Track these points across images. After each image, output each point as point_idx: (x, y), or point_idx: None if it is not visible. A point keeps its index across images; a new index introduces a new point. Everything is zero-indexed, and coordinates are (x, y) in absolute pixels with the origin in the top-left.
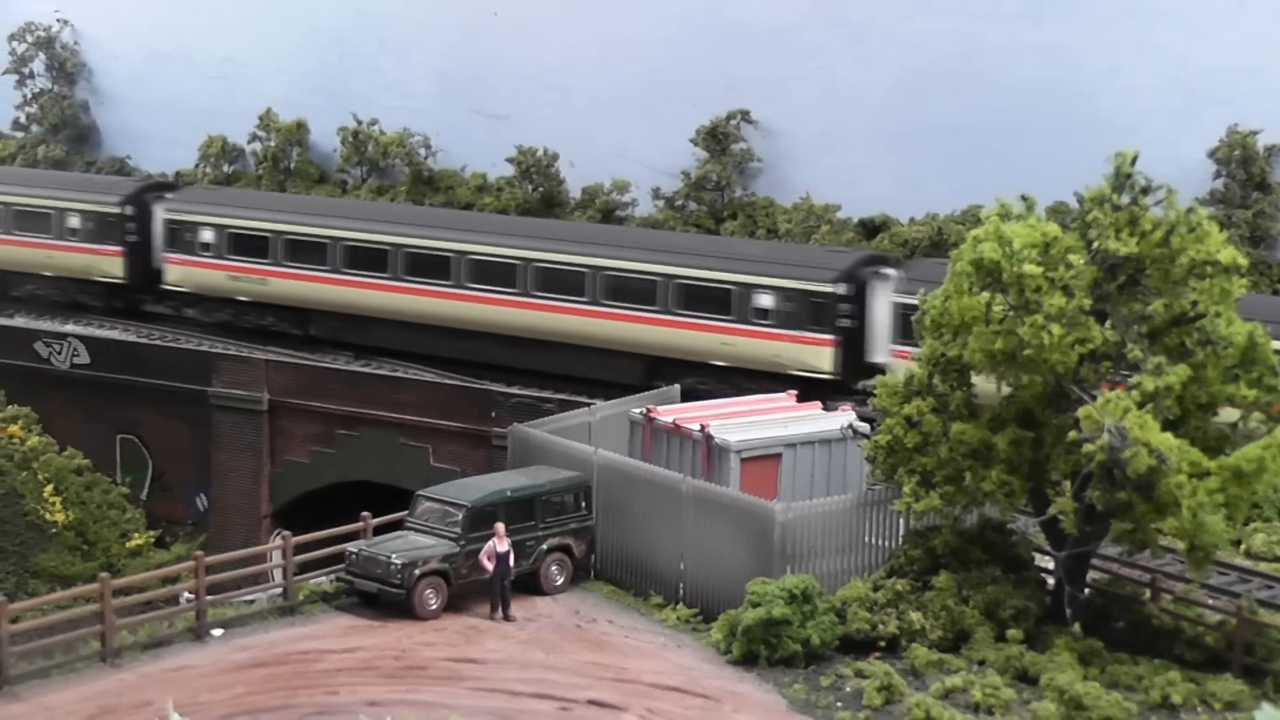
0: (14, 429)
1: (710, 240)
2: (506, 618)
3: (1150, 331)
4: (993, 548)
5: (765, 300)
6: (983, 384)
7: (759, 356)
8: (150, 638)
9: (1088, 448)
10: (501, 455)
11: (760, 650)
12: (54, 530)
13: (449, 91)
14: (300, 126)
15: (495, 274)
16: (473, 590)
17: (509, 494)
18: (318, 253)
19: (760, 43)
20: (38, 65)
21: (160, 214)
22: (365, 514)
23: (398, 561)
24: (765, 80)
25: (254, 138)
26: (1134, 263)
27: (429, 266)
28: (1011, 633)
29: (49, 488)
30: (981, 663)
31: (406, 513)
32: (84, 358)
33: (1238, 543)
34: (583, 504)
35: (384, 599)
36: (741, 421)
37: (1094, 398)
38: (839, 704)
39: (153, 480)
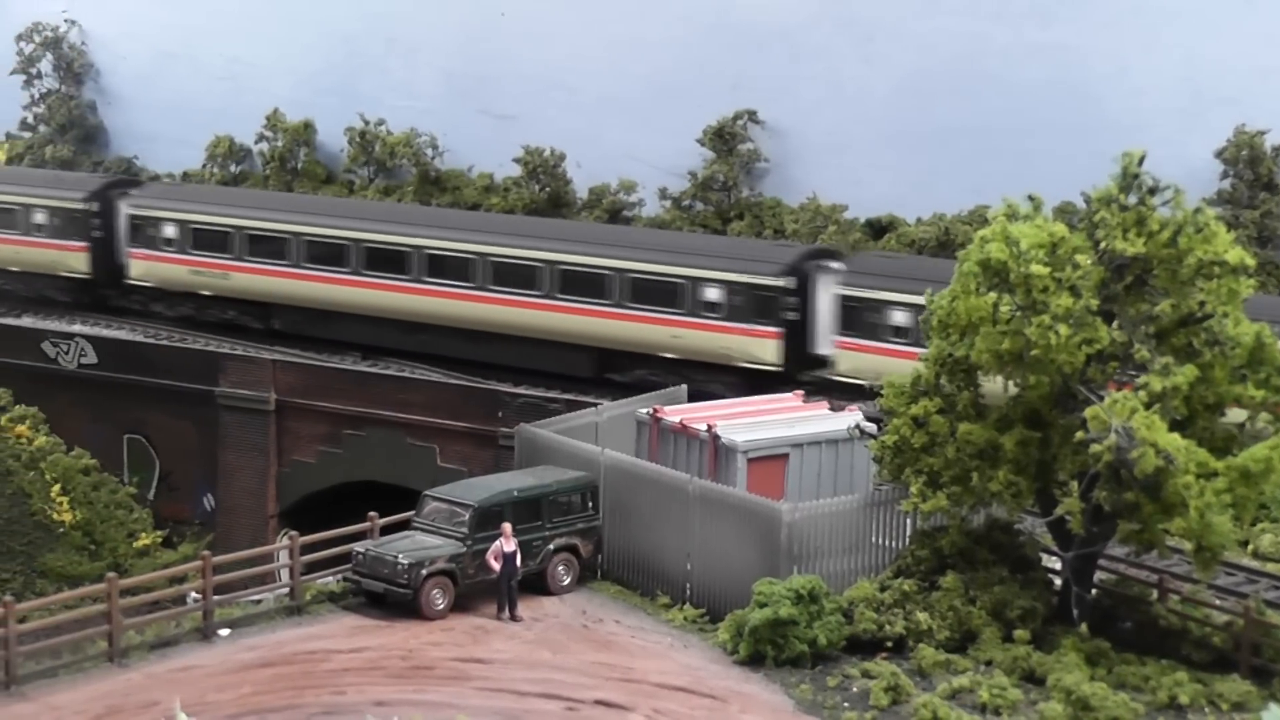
0: (21, 429)
1: (659, 235)
2: (513, 618)
3: (1157, 332)
4: (1000, 548)
5: (712, 294)
6: (990, 384)
7: (707, 349)
8: (157, 638)
9: (1095, 448)
10: (508, 455)
11: (767, 650)
12: (61, 530)
13: (456, 92)
14: (307, 127)
15: (451, 268)
16: (479, 590)
17: (516, 494)
18: (278, 248)
19: (767, 43)
20: (45, 65)
21: (124, 210)
22: (372, 514)
23: (405, 561)
24: (772, 80)
25: (261, 138)
26: (1141, 263)
27: (386, 261)
28: (1018, 633)
29: (56, 488)
30: (988, 663)
31: (413, 513)
32: (91, 358)
33: (1245, 543)
34: (589, 504)
35: (391, 599)
36: (748, 422)
37: (1101, 398)
38: (846, 704)
39: (160, 480)
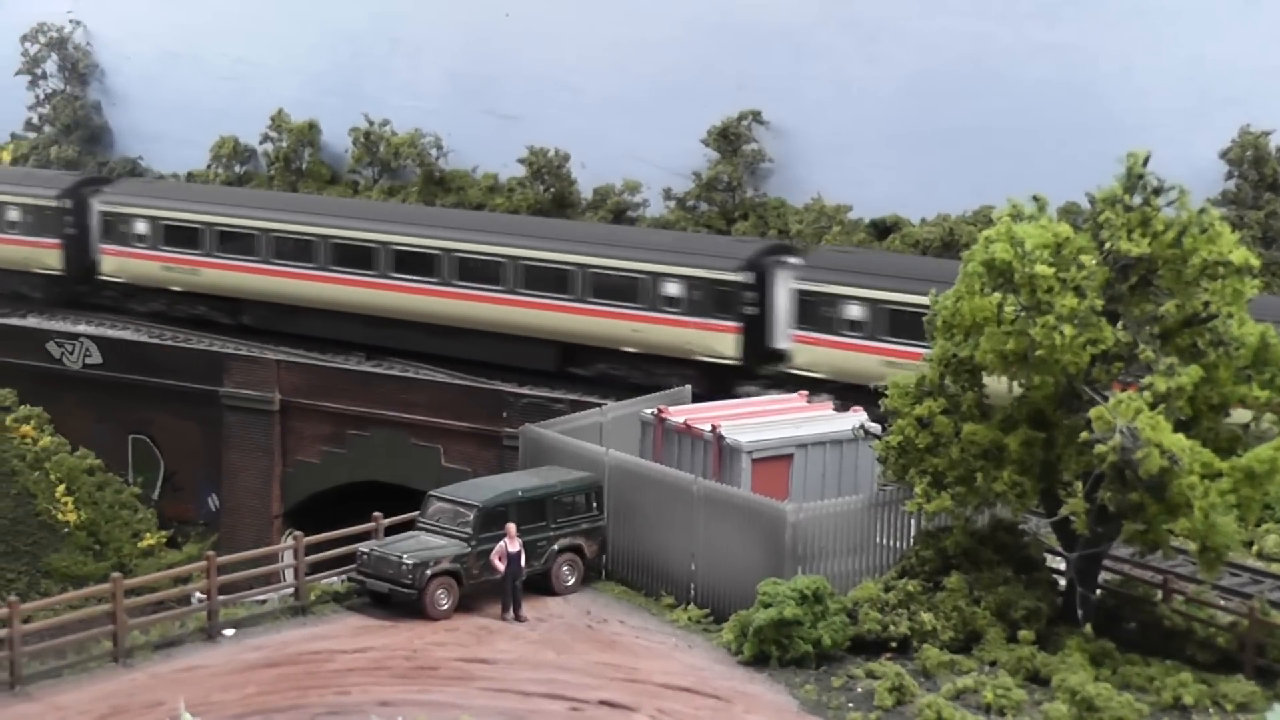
0: (26, 429)
1: (621, 230)
2: (518, 618)
3: (1162, 332)
4: (1004, 548)
5: (673, 289)
6: (994, 385)
7: (667, 343)
8: (162, 638)
9: (1099, 449)
10: (513, 455)
11: (771, 651)
12: (66, 530)
13: (461, 92)
14: (312, 127)
15: (417, 264)
16: (484, 590)
17: (520, 494)
18: (247, 244)
19: (772, 43)
20: (50, 66)
21: (97, 207)
22: (377, 514)
23: (409, 562)
24: (777, 81)
25: (266, 138)
26: (1146, 263)
27: (353, 257)
28: (1023, 634)
29: (61, 488)
30: (993, 664)
31: (418, 513)
32: (96, 358)
33: (1250, 544)
34: (594, 504)
35: (395, 599)
36: (753, 422)
37: (1106, 398)
38: (850, 705)
39: (164, 480)
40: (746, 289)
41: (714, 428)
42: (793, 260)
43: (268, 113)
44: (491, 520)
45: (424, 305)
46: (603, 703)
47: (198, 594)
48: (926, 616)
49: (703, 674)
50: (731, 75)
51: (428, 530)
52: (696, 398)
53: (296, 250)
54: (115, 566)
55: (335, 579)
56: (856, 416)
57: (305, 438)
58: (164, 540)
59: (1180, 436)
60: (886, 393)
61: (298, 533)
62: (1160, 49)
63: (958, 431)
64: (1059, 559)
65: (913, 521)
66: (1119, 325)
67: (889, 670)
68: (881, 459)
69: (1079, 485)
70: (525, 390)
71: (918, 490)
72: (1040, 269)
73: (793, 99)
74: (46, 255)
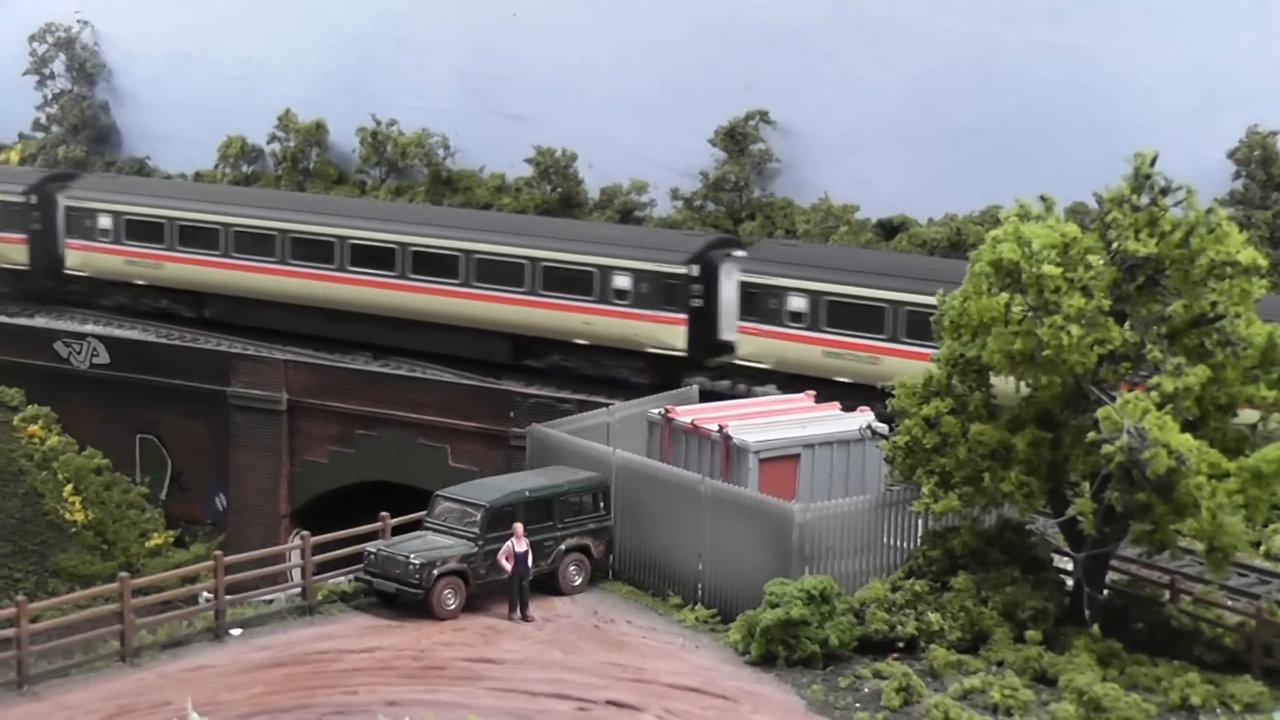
0: (34, 429)
1: (572, 225)
2: (525, 618)
3: (1169, 332)
4: (1011, 549)
5: (622, 281)
6: (1001, 385)
7: (617, 335)
8: (169, 637)
9: (1107, 449)
10: (520, 455)
11: (778, 651)
12: (73, 530)
13: (468, 92)
14: (319, 127)
15: (374, 258)
16: (491, 590)
17: (527, 494)
18: (209, 238)
19: (779, 43)
20: (58, 66)
21: (62, 202)
22: (384, 514)
23: (416, 561)
24: (784, 81)
25: (273, 138)
26: (1153, 263)
27: (312, 251)
28: (1030, 634)
29: (69, 487)
30: (1000, 664)
31: (425, 513)
32: (103, 358)
33: (1257, 544)
34: (601, 504)
35: (402, 599)
36: (760, 422)
37: (1113, 399)
38: (857, 705)
39: (172, 480)
40: (693, 282)
41: (721, 428)
42: (738, 254)
43: (275, 113)
44: (499, 520)
45: (381, 298)
46: (610, 703)
47: (205, 594)
48: (934, 616)
49: (710, 674)
50: (739, 75)
51: (435, 530)
52: (644, 389)
53: (256, 245)
54: (122, 566)
55: (342, 579)
56: (864, 417)
57: (313, 437)
58: (171, 540)
59: (1188, 437)
60: (893, 393)
61: (305, 532)
62: (1167, 49)
63: (965, 431)
64: (1066, 559)
65: (920, 521)
66: (1126, 325)
67: (896, 670)
68: (889, 459)
69: (1086, 485)
70: (533, 390)
71: (925, 490)
72: (1047, 269)
73: (800, 99)
74: (13, 250)
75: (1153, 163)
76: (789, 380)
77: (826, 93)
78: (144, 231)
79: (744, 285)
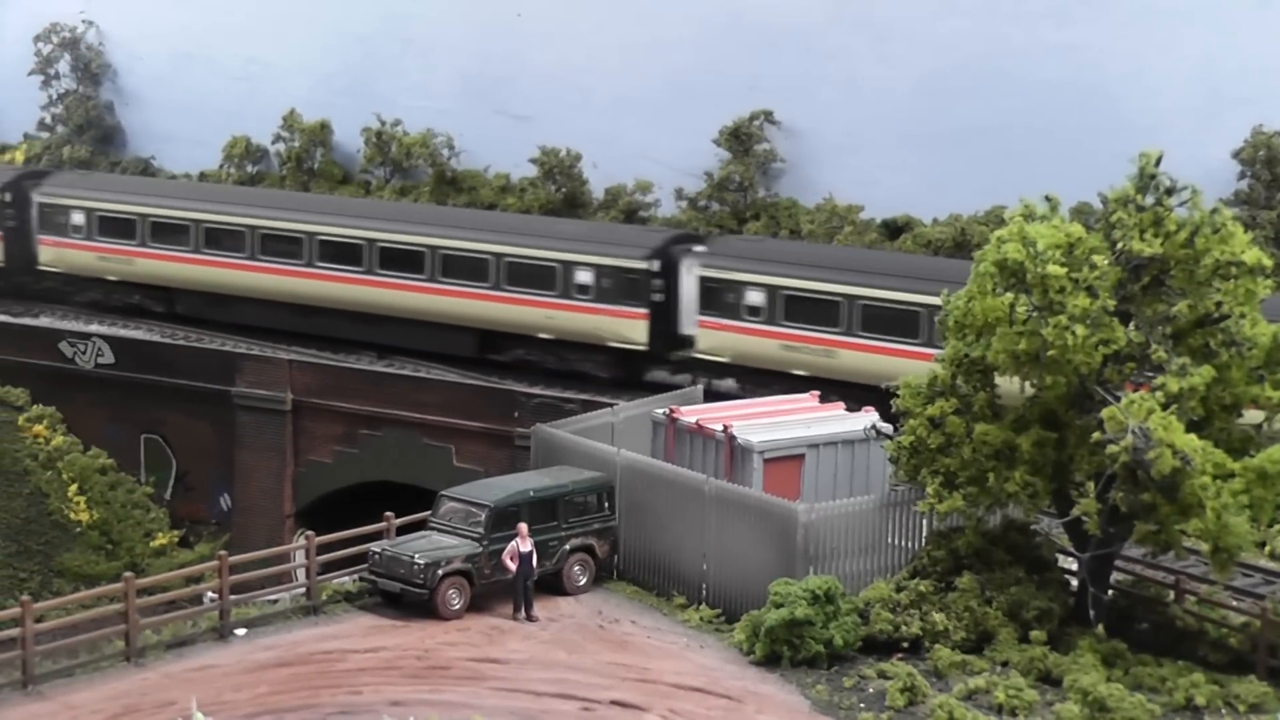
0: (39, 429)
1: (535, 220)
2: (529, 618)
3: (1174, 332)
4: (1016, 549)
5: (584, 276)
6: (1006, 385)
7: (580, 329)
8: (174, 637)
9: (1111, 449)
10: (524, 455)
11: (783, 651)
12: (78, 530)
13: (472, 92)
14: (324, 127)
15: (342, 253)
16: (495, 590)
17: (532, 494)
18: (180, 234)
19: (783, 43)
20: (63, 66)
21: (36, 199)
22: (388, 514)
23: (421, 561)
24: (788, 81)
25: (278, 138)
26: (1158, 263)
27: (281, 247)
28: (1035, 634)
29: (73, 487)
30: (1005, 664)
31: (429, 513)
32: (108, 357)
33: (1262, 544)
34: (605, 504)
35: (407, 599)
36: (765, 422)
37: (1118, 399)
38: (862, 705)
39: (176, 480)
40: (654, 277)
41: (726, 428)
42: (698, 249)
43: (280, 113)
44: (503, 520)
45: (349, 294)
46: (614, 703)
47: (210, 593)
48: (938, 617)
49: (714, 674)
50: (743, 75)
51: (439, 530)
52: (606, 383)
53: (226, 241)
54: (127, 566)
55: (347, 579)
56: (868, 417)
57: (317, 437)
58: (176, 540)
59: (1192, 437)
60: (898, 393)
61: (309, 532)
62: (1172, 49)
63: (970, 432)
64: (1071, 559)
65: (924, 522)
66: (1131, 325)
67: (901, 670)
68: (893, 459)
69: (1091, 486)
70: (537, 390)
71: (929, 490)
72: (1052, 269)
73: (805, 99)
74: None
75: (1158, 163)
76: (748, 374)
77: (831, 93)
78: (115, 228)
79: (703, 280)
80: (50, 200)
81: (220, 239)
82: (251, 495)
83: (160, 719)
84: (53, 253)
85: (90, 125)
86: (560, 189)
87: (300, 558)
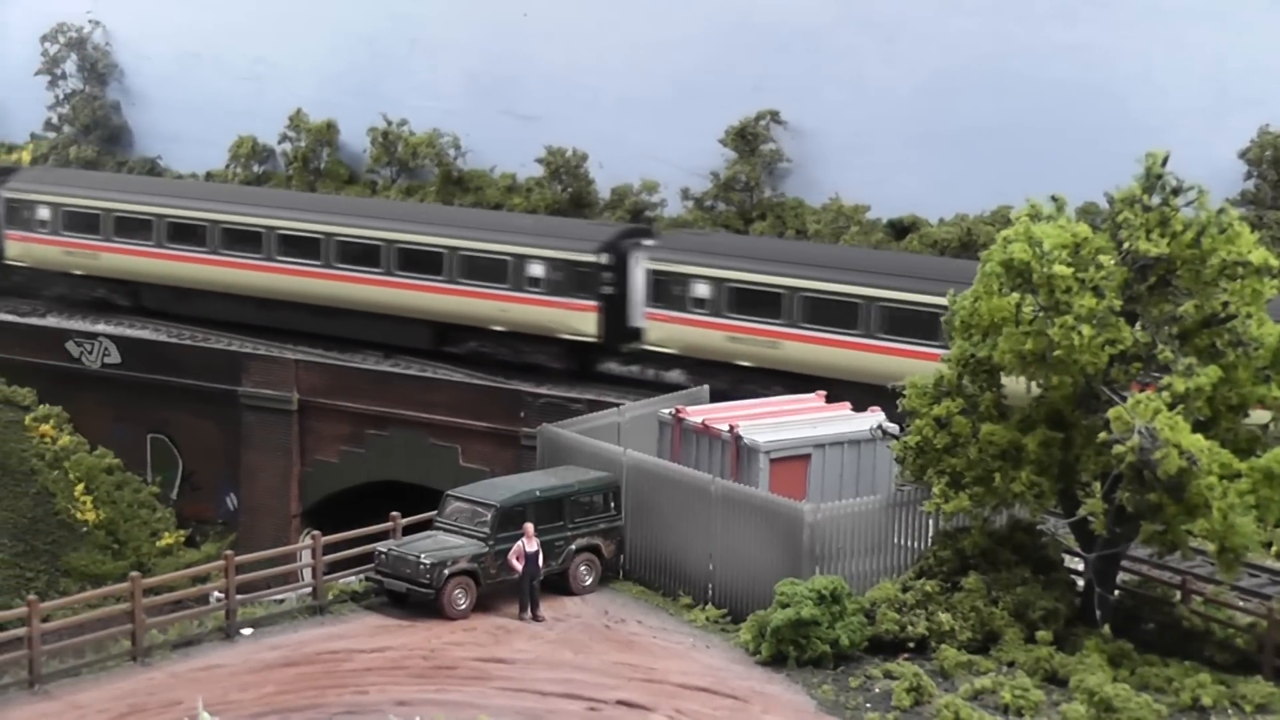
0: (45, 428)
1: (488, 214)
2: (535, 618)
3: (1181, 333)
4: (1022, 549)
5: (536, 270)
6: (1012, 385)
7: (532, 322)
8: (180, 637)
9: (1118, 449)
10: (530, 455)
11: (789, 651)
12: (85, 529)
13: (479, 92)
14: (330, 127)
15: (301, 248)
16: (502, 590)
17: (538, 494)
18: (144, 229)
19: (790, 43)
20: (70, 66)
21: (3, 194)
22: (394, 514)
23: (427, 561)
24: (795, 80)
25: (284, 138)
26: (1165, 264)
27: (242, 241)
28: (1041, 634)
29: (80, 487)
30: (1011, 664)
31: (435, 513)
32: (115, 357)
33: (1268, 545)
34: (612, 504)
35: (413, 599)
36: (771, 422)
37: (1124, 399)
38: (868, 705)
39: (183, 480)
40: (605, 269)
41: (732, 428)
42: (647, 242)
43: (286, 112)
44: (509, 520)
45: (308, 287)
46: (620, 702)
47: (216, 593)
48: (944, 617)
49: (720, 674)
50: (749, 75)
51: (445, 530)
52: (559, 374)
53: (189, 235)
54: (134, 566)
55: (353, 578)
56: (874, 417)
57: (324, 437)
58: (182, 539)
59: (1199, 437)
60: (904, 393)
61: (316, 532)
62: (1179, 49)
63: (976, 432)
64: (1077, 559)
65: (930, 522)
66: (1137, 325)
67: (907, 670)
68: (899, 459)
69: (1097, 486)
70: (543, 390)
71: (936, 490)
72: (1059, 269)
73: (811, 99)
74: None
75: (1164, 163)
76: (696, 365)
77: (837, 93)
78: (81, 222)
79: (652, 273)
80: (17, 196)
81: (183, 234)
82: (258, 495)
83: (166, 718)
84: (20, 247)
85: (97, 125)
86: (566, 189)
87: (306, 557)
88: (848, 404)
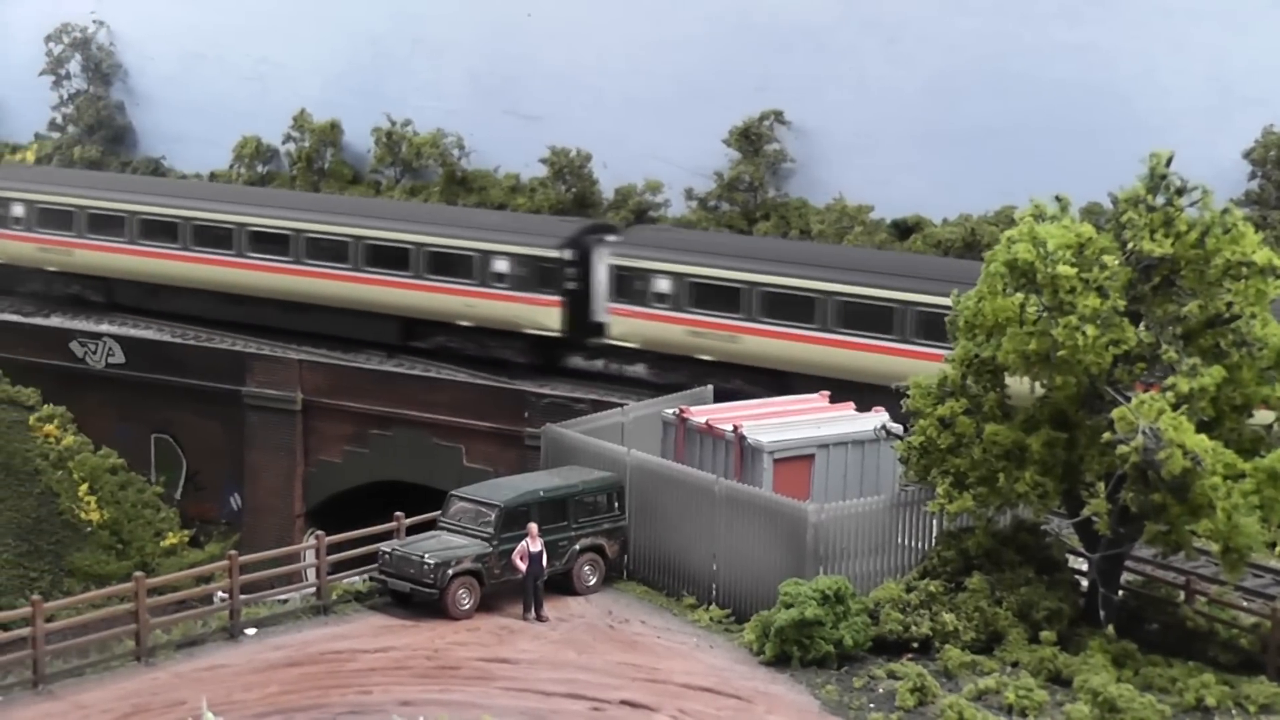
0: (50, 428)
1: (454, 211)
2: (539, 618)
3: (1185, 333)
4: (1026, 549)
5: (501, 265)
6: (1016, 385)
7: (497, 317)
8: (184, 637)
9: (1122, 449)
10: (534, 455)
11: (793, 651)
12: (89, 529)
13: (482, 92)
14: (334, 127)
15: (270, 244)
16: (505, 590)
17: (542, 494)
18: (116, 226)
19: (793, 43)
20: (74, 66)
21: None
22: (398, 514)
23: (431, 561)
24: (798, 81)
25: (288, 138)
26: (1169, 264)
27: (213, 238)
28: (1045, 634)
29: (84, 487)
30: (1015, 664)
31: (439, 513)
32: (119, 357)
33: (1273, 545)
34: (615, 504)
35: (417, 599)
36: (775, 422)
37: (1128, 399)
38: (872, 705)
39: (187, 480)
40: (567, 265)
41: (736, 428)
42: (610, 238)
43: (290, 113)
44: (513, 520)
45: (278, 283)
46: (624, 703)
47: (220, 593)
48: (948, 617)
49: (724, 674)
50: (753, 75)
51: (449, 530)
52: (524, 369)
53: (161, 232)
54: (138, 565)
55: (357, 578)
56: (878, 417)
57: (327, 437)
58: (186, 539)
59: (1203, 437)
60: (908, 393)
61: (319, 532)
62: (1183, 49)
63: (980, 432)
64: (1081, 560)
65: (934, 522)
66: (1141, 326)
67: (910, 671)
68: (903, 459)
69: (1101, 486)
70: (547, 390)
71: (939, 491)
72: (1063, 269)
73: (814, 99)
74: None
75: (1168, 163)
76: (658, 360)
77: (841, 93)
78: (55, 219)
79: (614, 268)
80: None
81: (154, 230)
82: (261, 495)
83: (170, 718)
84: None
85: (101, 125)
86: (570, 189)
87: (310, 557)
88: (851, 404)
